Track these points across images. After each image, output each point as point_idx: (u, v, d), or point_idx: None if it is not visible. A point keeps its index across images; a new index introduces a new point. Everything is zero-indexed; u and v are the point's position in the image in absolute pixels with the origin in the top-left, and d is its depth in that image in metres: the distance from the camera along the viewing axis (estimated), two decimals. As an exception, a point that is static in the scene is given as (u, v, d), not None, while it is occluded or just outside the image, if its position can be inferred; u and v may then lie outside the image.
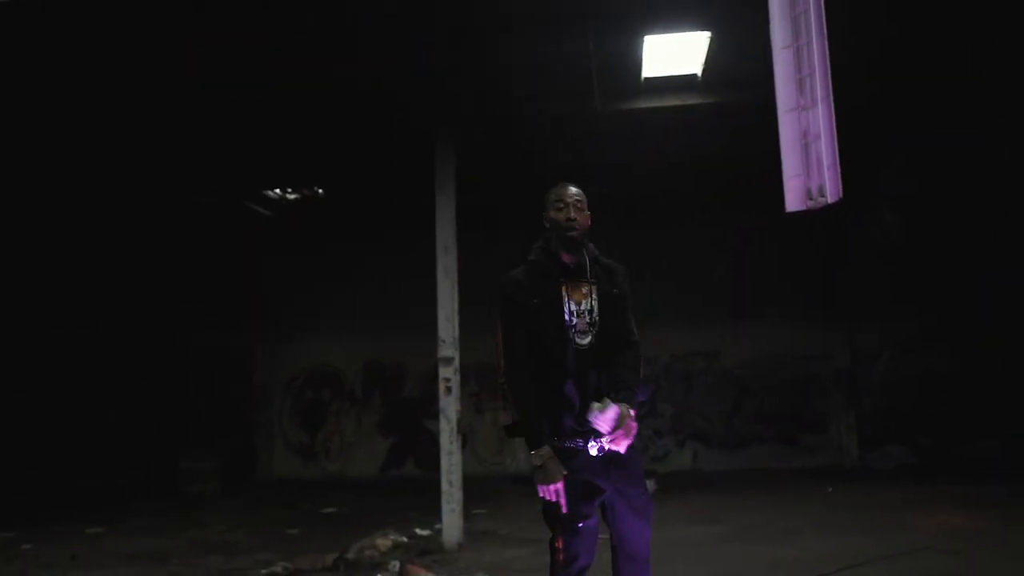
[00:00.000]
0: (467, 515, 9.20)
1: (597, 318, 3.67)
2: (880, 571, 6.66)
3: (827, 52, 2.83)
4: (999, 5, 7.91)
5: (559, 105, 10.00)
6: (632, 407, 3.57)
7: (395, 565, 7.22)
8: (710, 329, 14.88)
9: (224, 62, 8.48)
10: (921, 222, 14.26)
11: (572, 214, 3.70)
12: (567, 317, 3.63)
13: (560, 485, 3.47)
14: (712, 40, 8.52)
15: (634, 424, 3.53)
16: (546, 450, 3.53)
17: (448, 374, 8.80)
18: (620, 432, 3.48)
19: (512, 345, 3.72)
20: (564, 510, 3.46)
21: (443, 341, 8.87)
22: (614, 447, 3.52)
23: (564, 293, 3.67)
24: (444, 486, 8.59)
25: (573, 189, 3.79)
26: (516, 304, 3.70)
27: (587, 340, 3.63)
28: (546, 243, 3.82)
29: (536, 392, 3.63)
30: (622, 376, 3.68)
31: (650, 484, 11.76)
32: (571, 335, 3.61)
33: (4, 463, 13.05)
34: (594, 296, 3.70)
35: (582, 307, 3.66)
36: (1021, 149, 10.22)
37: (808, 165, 2.81)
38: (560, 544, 3.54)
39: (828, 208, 2.81)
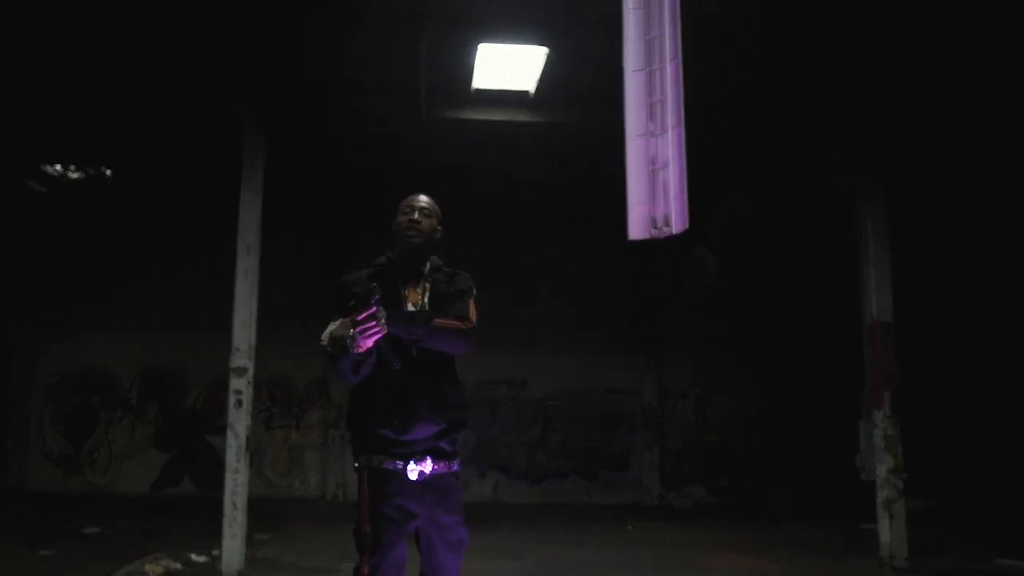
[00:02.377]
0: (249, 541, 8.83)
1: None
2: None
3: (681, 78, 2.88)
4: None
5: (385, 105, 9.89)
6: (399, 320, 3.45)
7: (165, 595, 6.80)
8: (520, 356, 15.04)
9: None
10: (742, 265, 15.07)
11: (416, 217, 3.74)
12: None
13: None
14: (549, 57, 8.66)
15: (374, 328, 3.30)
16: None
17: (240, 386, 8.40)
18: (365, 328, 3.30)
19: None
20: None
21: (237, 349, 8.47)
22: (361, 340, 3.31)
23: (402, 295, 3.70)
24: (227, 508, 8.18)
25: (424, 198, 3.85)
26: (354, 295, 3.60)
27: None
28: (391, 252, 3.85)
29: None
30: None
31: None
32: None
33: None
34: (426, 298, 3.74)
35: (416, 308, 3.69)
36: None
37: (654, 193, 2.85)
38: (366, 570, 3.51)
39: (671, 239, 2.85)
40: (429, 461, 3.59)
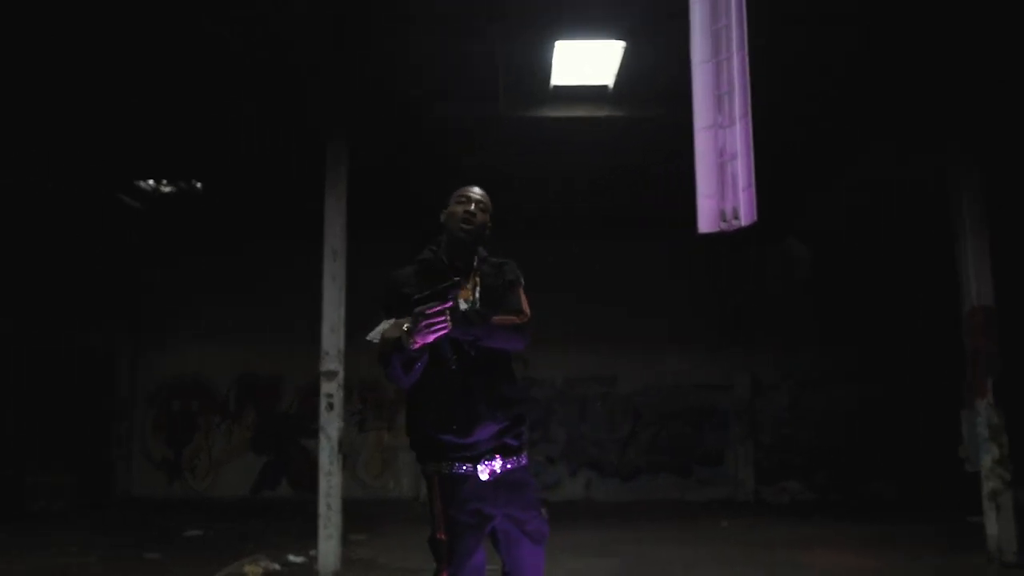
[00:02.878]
0: (345, 541, 9.03)
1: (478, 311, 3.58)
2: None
3: (747, 68, 2.85)
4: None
5: (462, 107, 9.96)
6: (456, 321, 3.33)
7: (264, 596, 7.00)
8: (608, 353, 15.00)
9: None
10: (832, 257, 14.77)
11: (472, 209, 3.68)
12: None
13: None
14: (626, 51, 8.63)
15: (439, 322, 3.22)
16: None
17: (331, 389, 8.61)
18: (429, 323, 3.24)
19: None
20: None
21: (327, 353, 8.67)
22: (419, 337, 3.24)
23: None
24: (322, 509, 8.39)
25: (478, 191, 3.78)
26: (402, 296, 3.51)
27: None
28: (438, 245, 3.79)
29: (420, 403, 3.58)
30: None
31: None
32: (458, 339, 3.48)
33: None
34: (477, 293, 3.66)
35: (468, 305, 3.58)
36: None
37: (723, 185, 2.83)
38: None
39: (741, 232, 2.83)
40: (499, 459, 3.53)
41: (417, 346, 3.24)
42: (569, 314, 14.07)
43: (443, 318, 3.19)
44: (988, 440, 8.51)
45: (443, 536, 3.49)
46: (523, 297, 3.73)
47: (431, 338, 3.23)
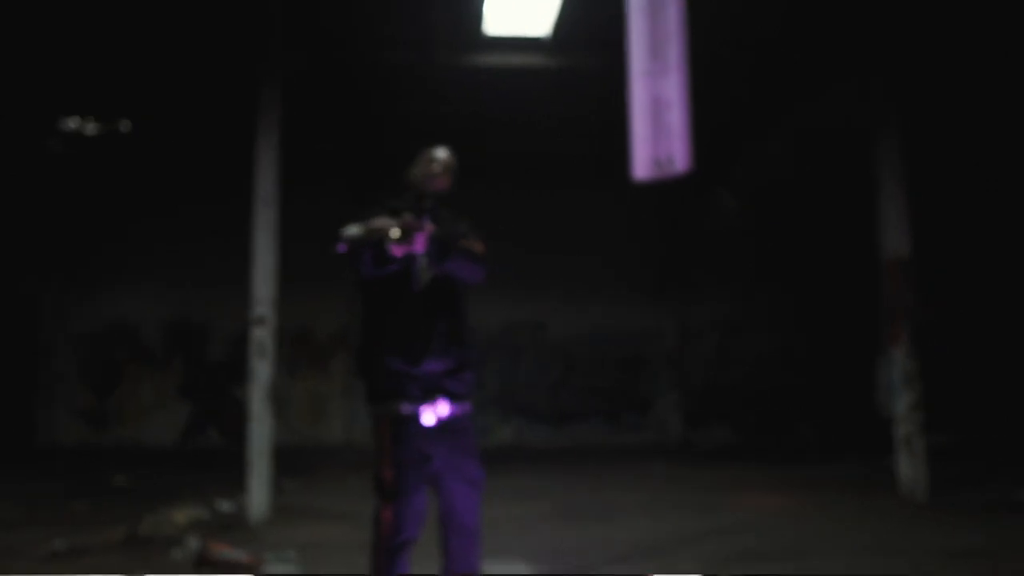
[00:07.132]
0: (276, 488, 9.00)
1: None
2: (697, 549, 6.96)
3: (684, 15, 2.88)
4: None
5: (399, 54, 9.82)
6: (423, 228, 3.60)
7: (193, 542, 6.93)
8: (538, 300, 15.08)
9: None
10: (763, 205, 14.98)
11: (437, 170, 3.87)
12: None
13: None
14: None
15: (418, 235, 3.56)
16: None
17: (261, 335, 8.51)
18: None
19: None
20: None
21: (257, 300, 8.55)
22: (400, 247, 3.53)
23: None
24: (251, 456, 8.34)
25: (444, 154, 3.94)
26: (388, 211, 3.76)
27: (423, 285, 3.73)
28: (402, 199, 3.93)
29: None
30: None
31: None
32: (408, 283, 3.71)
33: None
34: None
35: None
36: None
37: (658, 133, 2.86)
38: (389, 517, 3.61)
39: (675, 179, 2.87)
40: (444, 404, 3.70)
41: (396, 254, 3.47)
42: (503, 261, 14.04)
43: (419, 234, 3.48)
44: (903, 387, 8.79)
45: (389, 473, 3.61)
46: (472, 242, 3.90)
47: (416, 246, 3.50)
